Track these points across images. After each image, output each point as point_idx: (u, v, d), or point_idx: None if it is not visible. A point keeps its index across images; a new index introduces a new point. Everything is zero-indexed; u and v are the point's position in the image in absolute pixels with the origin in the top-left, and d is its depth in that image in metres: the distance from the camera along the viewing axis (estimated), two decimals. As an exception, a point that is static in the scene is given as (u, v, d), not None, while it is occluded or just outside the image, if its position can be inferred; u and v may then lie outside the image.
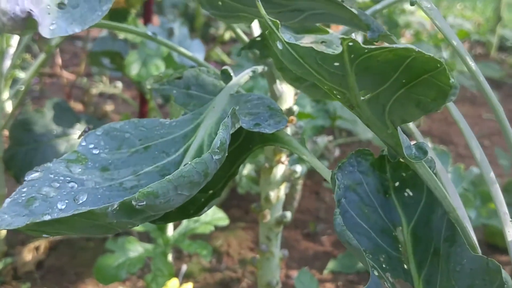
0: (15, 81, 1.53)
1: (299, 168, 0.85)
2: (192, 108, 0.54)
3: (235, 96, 0.53)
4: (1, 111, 1.45)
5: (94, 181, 0.46)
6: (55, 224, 0.36)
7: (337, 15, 0.44)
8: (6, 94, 1.46)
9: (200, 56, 1.65)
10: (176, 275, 1.50)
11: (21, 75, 1.61)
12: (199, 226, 1.25)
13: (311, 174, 2.20)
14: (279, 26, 0.37)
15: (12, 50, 1.47)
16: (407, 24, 4.02)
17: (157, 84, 0.57)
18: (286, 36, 0.37)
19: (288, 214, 0.86)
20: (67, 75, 3.02)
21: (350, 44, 0.32)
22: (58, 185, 0.44)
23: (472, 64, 0.46)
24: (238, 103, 0.52)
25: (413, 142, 0.37)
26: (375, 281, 0.39)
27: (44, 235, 0.40)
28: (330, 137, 2.03)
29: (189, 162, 0.37)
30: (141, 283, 1.55)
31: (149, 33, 0.71)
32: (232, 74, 0.58)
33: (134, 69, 1.20)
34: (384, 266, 0.42)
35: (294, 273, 1.61)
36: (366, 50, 0.32)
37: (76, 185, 0.44)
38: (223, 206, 1.42)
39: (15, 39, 1.47)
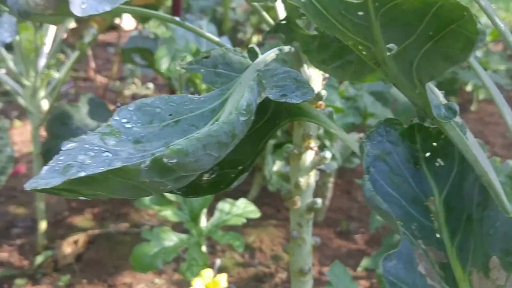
0: (49, 82, 1.57)
1: (328, 154, 0.85)
2: (220, 86, 0.55)
3: (261, 71, 0.53)
4: (38, 108, 1.49)
5: (128, 152, 0.47)
6: (90, 183, 0.37)
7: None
8: (42, 93, 1.50)
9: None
10: (211, 269, 1.50)
11: (56, 75, 1.65)
12: (231, 218, 1.25)
13: (343, 172, 2.19)
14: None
15: (46, 49, 1.51)
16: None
17: (186, 64, 0.57)
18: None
19: (319, 201, 0.85)
20: (100, 79, 3.08)
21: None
22: (93, 154, 0.45)
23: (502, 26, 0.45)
24: (264, 77, 0.52)
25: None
26: (406, 245, 0.39)
27: (80, 197, 0.41)
28: (361, 134, 2.02)
29: (216, 122, 0.38)
30: (177, 276, 1.56)
31: (177, 19, 0.72)
32: (258, 52, 0.58)
33: (164, 64, 1.22)
34: (416, 233, 0.42)
35: (327, 270, 1.60)
36: (390, -3, 0.32)
37: (110, 155, 0.45)
38: (255, 204, 1.42)
39: (49, 38, 1.50)
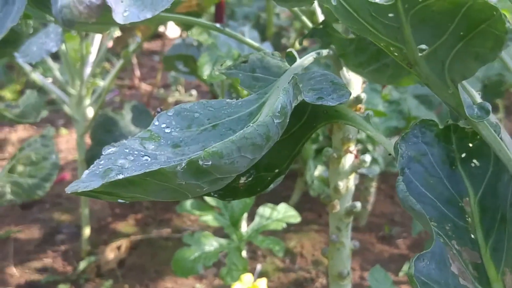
0: (95, 90, 1.62)
1: (368, 158, 0.85)
2: (258, 90, 0.56)
3: (298, 75, 0.54)
4: (83, 116, 1.53)
5: (166, 156, 0.48)
6: (128, 186, 0.38)
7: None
8: (87, 101, 1.54)
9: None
10: (251, 274, 1.52)
11: (101, 83, 1.69)
12: (271, 222, 1.26)
13: (386, 177, 2.17)
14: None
15: (92, 58, 1.56)
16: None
17: (224, 69, 0.59)
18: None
19: (358, 204, 0.85)
20: (145, 87, 3.14)
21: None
22: (132, 158, 0.46)
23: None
24: (301, 81, 0.53)
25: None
26: (439, 246, 0.39)
27: (119, 200, 0.43)
28: (405, 138, 1.99)
29: (251, 124, 0.39)
30: (217, 281, 1.58)
31: (218, 26, 0.73)
32: (296, 56, 0.59)
33: (206, 70, 1.24)
34: (449, 234, 0.42)
35: (367, 275, 1.59)
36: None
37: (149, 159, 0.47)
38: (296, 209, 1.43)
39: (94, 47, 1.55)
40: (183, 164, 0.36)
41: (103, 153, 0.48)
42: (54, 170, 1.41)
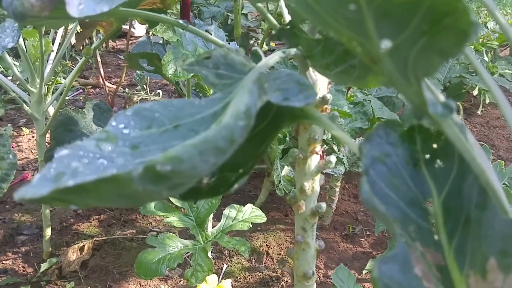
0: (56, 89, 1.58)
1: (333, 159, 0.85)
2: (222, 88, 0.54)
3: (264, 74, 0.53)
4: (44, 115, 1.49)
5: (124, 159, 0.46)
6: (81, 192, 0.36)
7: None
8: (48, 99, 1.51)
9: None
10: (217, 274, 1.51)
11: (63, 81, 1.66)
12: (237, 223, 1.25)
13: (350, 177, 2.19)
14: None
15: (53, 55, 1.52)
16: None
17: (187, 65, 0.57)
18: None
19: (323, 205, 0.85)
20: (109, 86, 3.10)
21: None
22: (87, 161, 0.44)
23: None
24: (267, 80, 0.52)
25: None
26: (402, 247, 0.39)
27: (72, 206, 0.40)
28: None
29: (214, 127, 0.37)
30: (183, 282, 1.56)
31: (181, 22, 0.72)
32: (262, 55, 0.58)
33: (171, 69, 1.22)
34: (413, 235, 0.41)
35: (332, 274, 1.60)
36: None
37: (106, 162, 0.44)
38: (263, 209, 1.43)
39: (56, 44, 1.51)
40: (140, 170, 0.34)
41: (55, 155, 0.45)
42: (11, 171, 1.36)
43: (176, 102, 0.53)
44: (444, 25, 0.31)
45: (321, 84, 0.80)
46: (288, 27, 0.71)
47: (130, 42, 3.19)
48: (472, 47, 3.34)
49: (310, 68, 0.77)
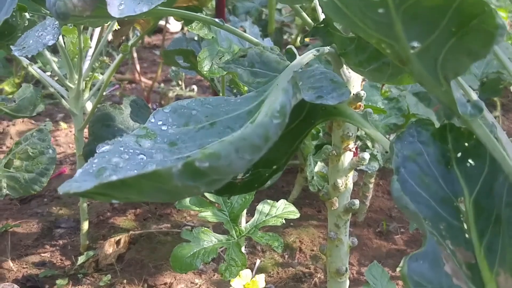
0: (94, 84, 1.61)
1: (367, 155, 0.85)
2: (256, 86, 0.56)
3: (298, 72, 0.54)
4: (82, 110, 1.53)
5: (163, 155, 0.47)
6: (123, 188, 0.37)
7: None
8: (86, 95, 1.54)
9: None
10: (250, 269, 1.52)
11: (100, 77, 1.69)
12: (270, 218, 1.27)
13: (385, 173, 2.18)
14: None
15: (91, 52, 1.55)
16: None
17: (223, 63, 0.59)
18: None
19: (357, 202, 0.86)
20: (145, 81, 3.14)
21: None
22: (127, 156, 0.45)
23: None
24: (301, 78, 0.53)
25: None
26: (433, 245, 0.39)
27: (113, 201, 0.42)
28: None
29: (249, 125, 0.39)
30: (217, 276, 1.59)
31: (217, 20, 0.73)
32: (296, 53, 0.59)
33: (206, 66, 1.24)
34: (444, 233, 0.42)
35: (365, 270, 1.60)
36: (410, -7, 0.32)
37: (145, 157, 0.46)
38: (296, 204, 1.43)
39: (93, 40, 1.55)
40: (179, 166, 0.35)
41: (97, 151, 0.47)
42: (51, 165, 1.40)
43: (212, 99, 0.54)
44: (472, 27, 0.31)
45: (355, 81, 0.81)
46: (322, 25, 0.72)
47: (165, 38, 3.24)
48: (510, 42, 3.27)
49: (344, 66, 0.78)
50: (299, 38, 3.27)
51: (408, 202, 0.40)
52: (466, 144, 0.46)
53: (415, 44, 0.35)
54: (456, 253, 0.41)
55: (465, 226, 0.43)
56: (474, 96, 0.40)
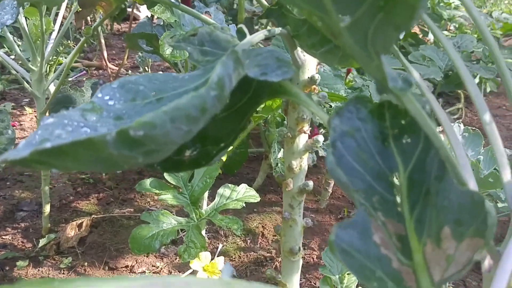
0: (57, 68, 1.60)
1: (321, 138, 0.87)
2: (205, 64, 0.56)
3: (246, 51, 0.55)
4: (45, 94, 1.52)
5: (107, 128, 0.47)
6: (59, 155, 0.37)
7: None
8: (49, 78, 1.53)
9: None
10: (213, 253, 1.53)
11: (65, 61, 1.67)
12: (230, 202, 1.28)
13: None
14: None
15: (54, 35, 1.54)
16: (451, 18, 3.98)
17: (174, 42, 0.59)
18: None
19: (310, 183, 0.87)
20: (112, 67, 3.11)
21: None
22: (71, 129, 0.45)
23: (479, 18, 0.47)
24: (248, 56, 0.54)
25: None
26: (362, 215, 0.41)
27: (53, 170, 0.42)
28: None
29: (185, 96, 0.39)
30: (178, 260, 1.59)
31: (173, 1, 0.73)
32: (247, 32, 0.60)
33: (167, 49, 1.24)
34: (376, 206, 0.43)
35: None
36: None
37: (89, 130, 0.46)
38: (260, 191, 1.44)
39: (57, 24, 1.53)
40: (113, 134, 0.35)
41: (41, 123, 0.47)
42: (9, 145, 1.39)
43: (160, 76, 0.55)
44: (397, 0, 0.32)
45: (310, 64, 0.82)
46: (276, 7, 0.73)
47: (134, 25, 3.21)
48: (475, 35, 3.34)
49: (299, 48, 0.79)
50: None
51: (340, 174, 0.41)
52: (403, 121, 0.48)
53: (346, 18, 0.36)
54: (387, 225, 0.42)
55: (398, 200, 0.44)
56: (417, 75, 0.42)
